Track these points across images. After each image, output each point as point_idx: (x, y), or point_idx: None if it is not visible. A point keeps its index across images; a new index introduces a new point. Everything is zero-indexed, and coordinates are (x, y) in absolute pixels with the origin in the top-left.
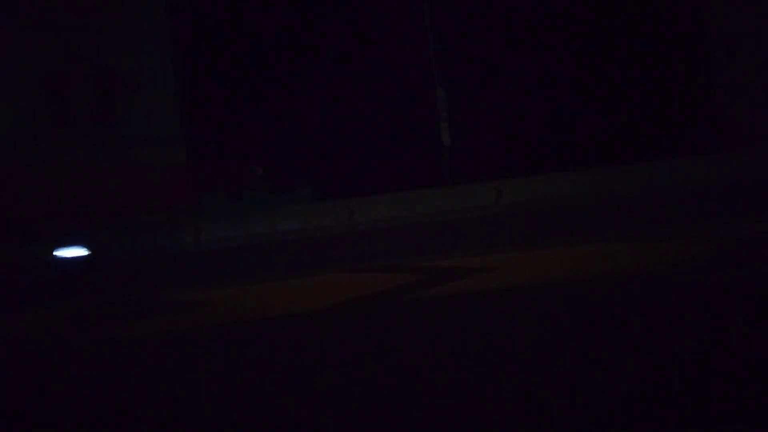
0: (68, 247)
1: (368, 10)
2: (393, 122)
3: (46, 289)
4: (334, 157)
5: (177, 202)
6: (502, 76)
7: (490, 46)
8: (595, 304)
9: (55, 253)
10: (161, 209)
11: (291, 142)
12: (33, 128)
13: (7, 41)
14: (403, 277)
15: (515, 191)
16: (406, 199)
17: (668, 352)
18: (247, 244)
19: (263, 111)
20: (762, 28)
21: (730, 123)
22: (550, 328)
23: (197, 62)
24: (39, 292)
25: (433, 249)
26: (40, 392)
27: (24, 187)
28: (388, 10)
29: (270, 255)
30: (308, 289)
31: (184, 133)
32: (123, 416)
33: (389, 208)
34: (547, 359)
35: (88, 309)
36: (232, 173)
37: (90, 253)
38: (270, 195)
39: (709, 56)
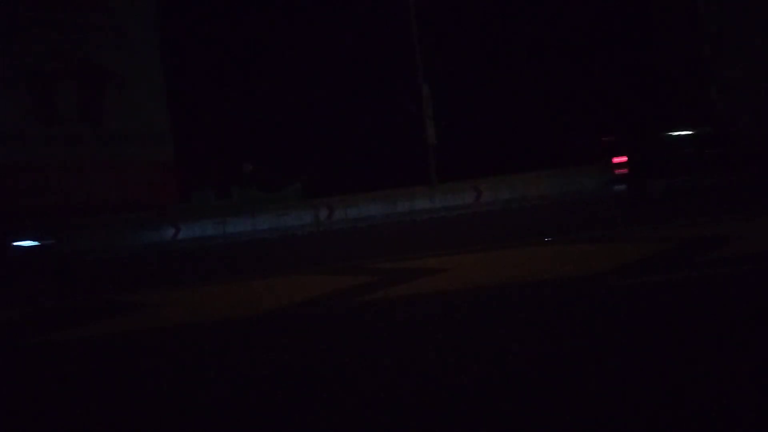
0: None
1: (355, 10)
2: (381, 120)
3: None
4: (323, 155)
5: (164, 199)
6: (488, 75)
7: (477, 46)
8: (527, 307)
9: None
10: (148, 207)
11: (280, 140)
12: (18, 126)
13: None
14: (355, 279)
15: (495, 190)
16: (386, 197)
17: (595, 357)
18: (225, 243)
19: (252, 109)
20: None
21: (722, 120)
22: (480, 332)
23: (185, 58)
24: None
25: (398, 249)
26: None
27: (8, 184)
28: (375, 9)
29: (241, 255)
30: (258, 292)
31: (172, 130)
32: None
33: (369, 206)
34: (471, 363)
35: (33, 312)
36: (222, 171)
37: (40, 244)
38: (259, 192)
39: (703, 55)
